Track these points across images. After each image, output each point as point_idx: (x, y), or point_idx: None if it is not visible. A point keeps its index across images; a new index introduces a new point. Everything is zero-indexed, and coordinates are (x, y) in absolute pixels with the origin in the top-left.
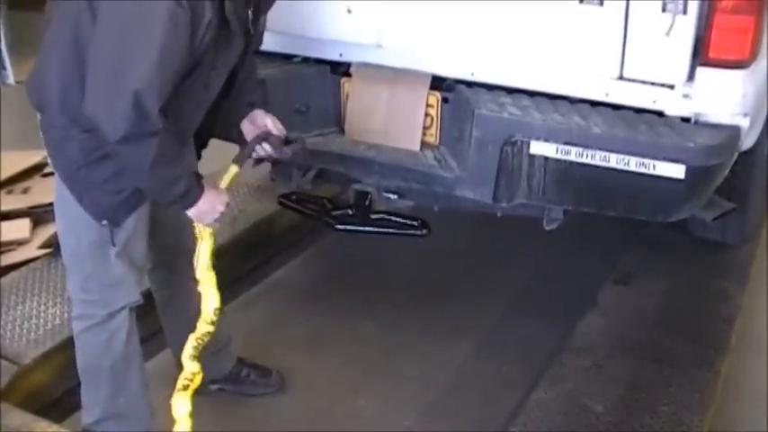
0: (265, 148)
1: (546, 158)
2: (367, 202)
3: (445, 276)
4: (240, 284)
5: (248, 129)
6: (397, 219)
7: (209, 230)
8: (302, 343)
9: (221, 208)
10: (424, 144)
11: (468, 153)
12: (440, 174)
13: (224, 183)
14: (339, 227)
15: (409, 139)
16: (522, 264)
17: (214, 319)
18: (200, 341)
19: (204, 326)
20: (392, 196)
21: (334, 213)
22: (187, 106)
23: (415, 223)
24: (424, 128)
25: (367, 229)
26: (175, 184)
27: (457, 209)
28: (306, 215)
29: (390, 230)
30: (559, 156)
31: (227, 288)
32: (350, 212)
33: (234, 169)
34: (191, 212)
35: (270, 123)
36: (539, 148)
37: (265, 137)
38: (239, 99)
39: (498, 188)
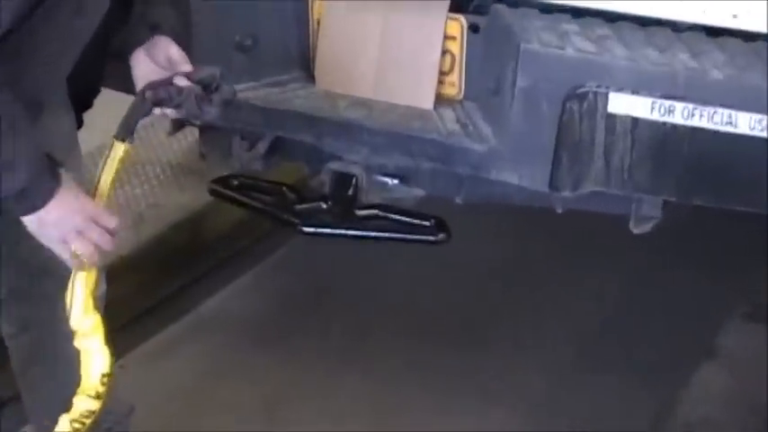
0: (169, 100)
1: (635, 121)
2: (350, 191)
3: (471, 307)
4: (151, 321)
5: (143, 68)
6: (398, 217)
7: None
8: (250, 409)
9: (80, 222)
10: (440, 99)
11: (509, 113)
12: (465, 145)
13: (104, 175)
14: (306, 229)
15: (417, 92)
16: (590, 288)
17: (101, 390)
18: (79, 425)
19: (85, 401)
20: (390, 181)
21: (298, 208)
22: (47, 43)
23: (425, 224)
24: (441, 73)
25: (350, 232)
26: (6, 172)
27: (491, 202)
28: (254, 211)
29: (387, 235)
30: (656, 116)
31: (130, 328)
32: (323, 206)
33: (119, 148)
34: (30, 224)
35: (176, 55)
36: (623, 104)
37: (168, 80)
38: (139, 26)
39: (558, 168)
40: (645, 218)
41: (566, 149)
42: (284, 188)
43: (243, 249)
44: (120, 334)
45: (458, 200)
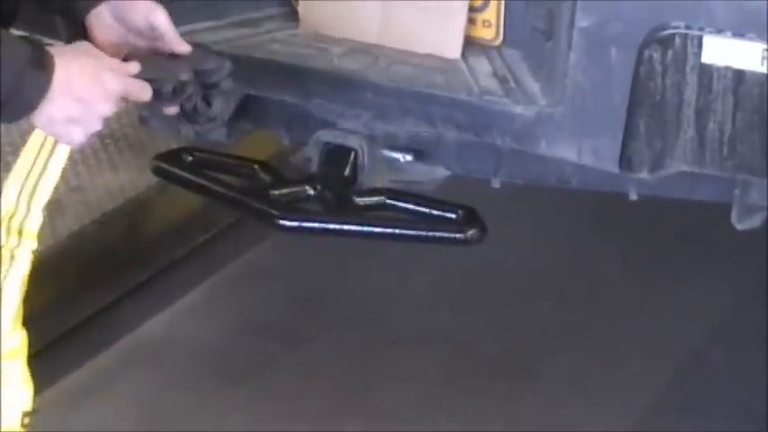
0: (168, 95)
1: (738, 74)
2: (346, 171)
3: (512, 330)
4: (72, 348)
5: (109, 33)
6: (413, 206)
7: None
8: None
9: (116, 87)
10: (471, 45)
11: (565, 64)
12: (504, 108)
13: (45, 181)
14: (285, 222)
15: (439, 35)
16: (675, 309)
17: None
18: None
19: None
20: (401, 157)
21: (274, 194)
22: None
23: (450, 216)
24: (472, 9)
25: (345, 227)
26: None
27: (539, 185)
28: (214, 197)
29: (397, 231)
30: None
31: (44, 357)
32: (309, 191)
33: (59, 152)
34: (43, 126)
35: (165, 25)
36: (722, 51)
37: (161, 59)
38: None
39: (632, 141)
40: (752, 209)
41: (643, 114)
42: (256, 166)
43: (197, 251)
44: (31, 365)
45: (494, 183)
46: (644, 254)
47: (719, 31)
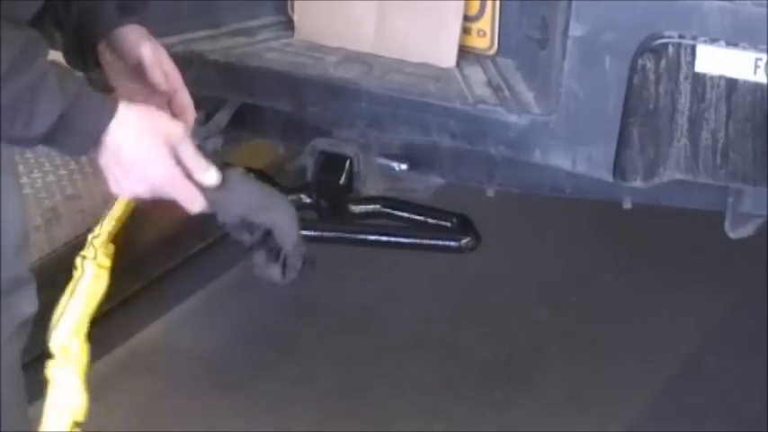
0: None
1: (731, 83)
2: (342, 179)
3: (509, 339)
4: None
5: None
6: (408, 215)
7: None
8: None
9: (177, 139)
10: (466, 54)
11: (559, 73)
12: (499, 117)
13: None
14: None
15: (433, 44)
16: (672, 317)
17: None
18: None
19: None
20: (396, 166)
21: None
22: None
23: (445, 224)
24: (467, 18)
25: (341, 235)
26: (25, 106)
27: (534, 194)
28: None
29: (392, 239)
30: (761, 78)
31: (36, 367)
32: (305, 200)
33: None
34: (107, 153)
35: (178, 80)
36: (716, 60)
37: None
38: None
39: (626, 149)
40: (745, 217)
41: (637, 123)
42: (252, 175)
43: (191, 259)
44: (26, 373)
45: (489, 191)
46: (639, 261)
47: (713, 41)
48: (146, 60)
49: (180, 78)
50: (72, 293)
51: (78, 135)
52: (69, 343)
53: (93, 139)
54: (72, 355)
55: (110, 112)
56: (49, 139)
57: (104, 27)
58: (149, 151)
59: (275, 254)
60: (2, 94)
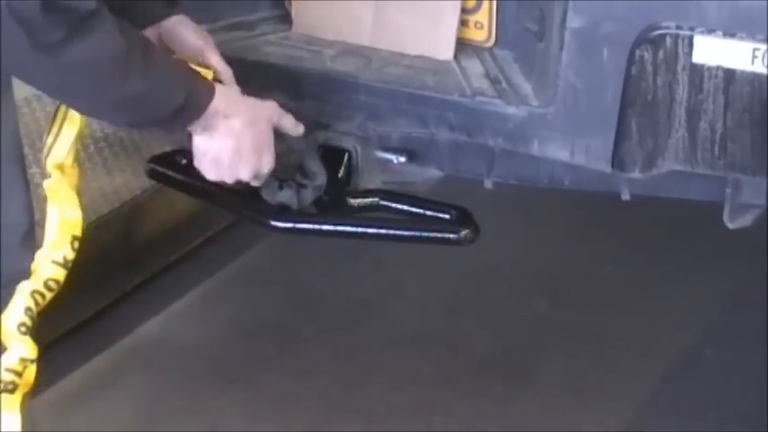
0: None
1: (729, 73)
2: (340, 173)
3: (509, 332)
4: (67, 352)
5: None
6: (406, 207)
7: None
8: None
9: (266, 129)
10: (463, 46)
11: (557, 65)
12: (497, 109)
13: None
14: (279, 223)
15: (431, 37)
16: (672, 309)
17: (69, 257)
18: (40, 297)
19: (49, 267)
20: (395, 158)
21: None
22: None
23: (443, 216)
24: (464, 11)
25: (339, 228)
26: (161, 91)
27: (532, 185)
28: (207, 200)
29: (390, 232)
30: (759, 68)
31: (39, 361)
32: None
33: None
34: (202, 131)
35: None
36: (713, 51)
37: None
38: None
39: (624, 140)
40: (744, 207)
41: (635, 114)
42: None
43: (192, 253)
44: None
45: (487, 183)
46: (638, 253)
47: (710, 31)
48: (204, 51)
49: (230, 71)
50: (63, 120)
51: (197, 111)
52: (65, 161)
53: (210, 117)
54: (67, 171)
55: (211, 92)
56: (177, 117)
57: (152, 19)
58: (267, 138)
59: (297, 184)
60: (147, 83)
